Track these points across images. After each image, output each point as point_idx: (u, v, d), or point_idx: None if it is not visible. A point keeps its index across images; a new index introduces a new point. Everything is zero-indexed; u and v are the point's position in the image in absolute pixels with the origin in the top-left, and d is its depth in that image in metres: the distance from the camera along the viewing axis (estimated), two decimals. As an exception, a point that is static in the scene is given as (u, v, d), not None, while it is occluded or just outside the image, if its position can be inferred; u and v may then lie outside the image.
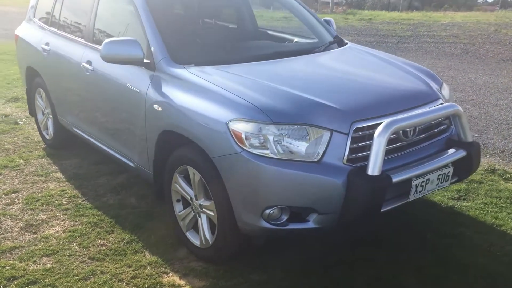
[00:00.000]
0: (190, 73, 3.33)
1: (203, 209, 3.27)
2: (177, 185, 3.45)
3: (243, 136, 2.84)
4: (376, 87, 3.34)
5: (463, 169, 3.31)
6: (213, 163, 3.01)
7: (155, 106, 3.41)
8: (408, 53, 11.78)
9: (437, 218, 3.95)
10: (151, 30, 3.61)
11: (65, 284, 3.15)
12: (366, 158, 2.83)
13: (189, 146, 3.23)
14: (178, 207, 3.54)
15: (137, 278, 3.21)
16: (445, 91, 3.67)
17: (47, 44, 4.99)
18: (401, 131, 3.01)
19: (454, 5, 32.60)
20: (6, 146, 5.63)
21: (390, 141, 2.97)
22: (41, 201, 4.27)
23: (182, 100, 3.24)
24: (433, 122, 3.25)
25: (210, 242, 3.29)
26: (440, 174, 3.12)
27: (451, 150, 3.25)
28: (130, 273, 3.26)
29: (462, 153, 3.22)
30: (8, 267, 3.31)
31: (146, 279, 3.20)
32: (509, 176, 4.69)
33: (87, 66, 4.22)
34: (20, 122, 6.54)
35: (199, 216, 3.34)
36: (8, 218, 3.98)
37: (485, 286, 3.12)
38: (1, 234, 3.75)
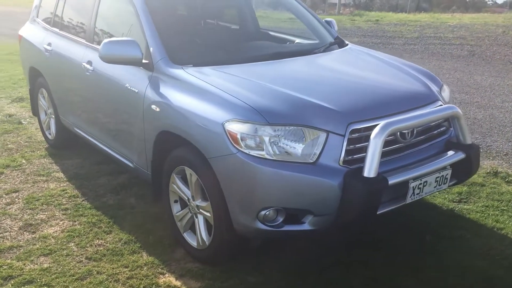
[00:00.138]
0: (187, 73, 3.33)
1: (200, 210, 3.26)
2: (175, 186, 3.44)
3: (238, 137, 2.83)
4: (374, 89, 3.32)
5: (462, 171, 3.28)
6: (209, 164, 3.00)
7: (153, 106, 3.41)
8: (414, 54, 11.73)
9: (437, 220, 3.92)
10: (150, 30, 3.61)
11: (61, 284, 3.15)
12: (363, 160, 2.81)
13: (186, 147, 3.22)
14: (175, 208, 3.54)
15: (133, 279, 3.20)
16: (445, 92, 3.64)
17: (49, 44, 5.01)
18: (398, 133, 2.99)
19: (462, 6, 32.46)
20: (9, 145, 5.66)
21: (387, 143, 2.95)
22: (41, 200, 4.28)
23: (179, 100, 3.24)
24: (432, 124, 3.22)
25: (207, 243, 3.28)
26: (438, 177, 3.09)
27: (450, 152, 3.22)
28: (127, 274, 3.26)
29: (461, 156, 3.19)
30: (5, 267, 3.32)
31: (142, 279, 3.19)
32: (511, 179, 4.64)
33: (88, 66, 4.23)
34: (24, 122, 6.57)
35: (196, 217, 3.33)
36: (7, 218, 4.00)
37: (483, 289, 3.10)
38: (0, 233, 3.77)
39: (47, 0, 5.48)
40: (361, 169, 2.79)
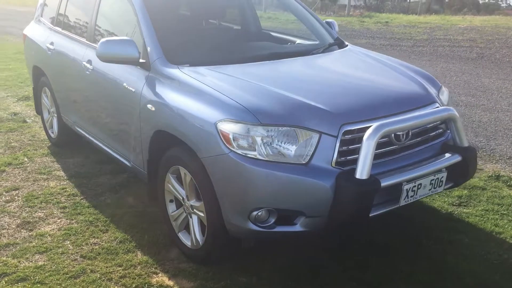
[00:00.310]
0: (183, 73, 3.33)
1: (194, 210, 3.26)
2: (170, 186, 3.44)
3: (231, 137, 2.82)
4: (369, 90, 3.29)
5: (459, 174, 3.24)
6: (202, 163, 3.00)
7: (149, 106, 3.41)
8: (422, 56, 11.65)
9: (435, 224, 3.88)
10: (147, 30, 3.62)
11: (54, 281, 3.16)
12: (356, 161, 2.79)
13: (180, 147, 3.22)
14: (171, 208, 3.54)
15: (126, 278, 3.21)
16: (444, 95, 3.60)
17: (51, 43, 5.04)
18: (393, 135, 2.96)
19: (474, 9, 32.20)
20: (13, 144, 5.70)
21: (382, 145, 2.94)
22: (40, 199, 4.31)
23: (174, 100, 3.24)
24: (428, 126, 3.20)
25: (201, 243, 3.27)
26: (433, 179, 3.06)
27: (446, 155, 3.18)
28: (120, 273, 3.26)
29: (457, 158, 3.16)
30: (0, 264, 3.34)
31: (135, 278, 3.20)
32: (513, 182, 4.59)
33: (88, 65, 4.25)
34: (28, 121, 6.62)
35: (190, 217, 3.33)
36: (6, 215, 4.02)
37: (478, 294, 3.07)
38: (-2, 230, 3.80)
39: (50, 0, 5.52)
40: (353, 170, 2.77)
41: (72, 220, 3.95)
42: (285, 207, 2.85)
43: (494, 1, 45.38)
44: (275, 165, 2.79)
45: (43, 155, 5.38)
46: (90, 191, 4.47)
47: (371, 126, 2.82)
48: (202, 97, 3.08)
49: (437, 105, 3.32)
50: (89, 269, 3.30)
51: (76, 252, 3.49)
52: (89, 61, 4.23)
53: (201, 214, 3.19)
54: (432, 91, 3.47)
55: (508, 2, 45.88)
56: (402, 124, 2.92)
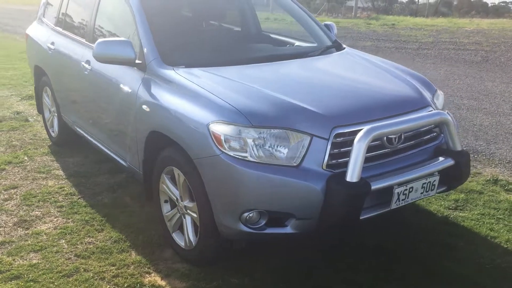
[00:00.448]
0: (177, 74, 3.35)
1: (188, 210, 3.28)
2: (164, 186, 3.46)
3: (222, 138, 2.84)
4: (362, 93, 3.30)
5: (452, 178, 3.24)
6: (195, 165, 3.01)
7: (144, 106, 3.44)
8: (426, 59, 11.61)
9: (430, 227, 3.87)
10: (144, 31, 3.64)
11: (47, 280, 3.19)
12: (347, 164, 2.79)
13: (174, 147, 3.24)
14: (165, 208, 3.55)
15: (118, 277, 3.23)
16: (439, 98, 3.60)
17: (52, 43, 5.08)
18: (385, 138, 2.96)
19: (482, 11, 32.02)
20: (14, 142, 5.75)
21: (374, 148, 2.94)
22: (38, 197, 4.34)
23: (167, 101, 3.26)
24: (421, 130, 3.19)
25: (194, 243, 3.29)
26: (425, 183, 3.06)
27: (439, 159, 3.18)
28: (113, 272, 3.28)
29: (449, 162, 3.16)
30: (-5, 261, 3.38)
31: (127, 278, 3.21)
32: (511, 187, 4.57)
33: (86, 65, 4.28)
34: (30, 120, 6.67)
35: (184, 218, 3.35)
36: (3, 213, 4.06)
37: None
38: (-6, 228, 3.84)
39: (52, 0, 5.56)
40: (344, 173, 2.77)
41: (69, 219, 3.98)
42: (275, 209, 2.85)
43: (504, 4, 45.08)
44: (266, 167, 2.80)
45: (43, 154, 5.42)
46: (88, 191, 4.50)
47: (362, 129, 2.83)
48: (195, 98, 3.10)
49: (431, 108, 3.31)
50: (83, 268, 3.32)
51: (71, 251, 3.52)
52: (88, 61, 4.26)
53: (194, 215, 3.20)
54: (427, 94, 3.46)
55: (517, 4, 45.56)
56: (393, 128, 2.92)
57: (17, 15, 22.54)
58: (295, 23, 4.76)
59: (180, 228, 3.46)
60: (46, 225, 3.89)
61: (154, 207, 3.73)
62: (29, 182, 4.67)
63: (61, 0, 5.24)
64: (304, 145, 2.82)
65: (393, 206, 2.97)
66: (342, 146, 2.87)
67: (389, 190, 2.91)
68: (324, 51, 4.13)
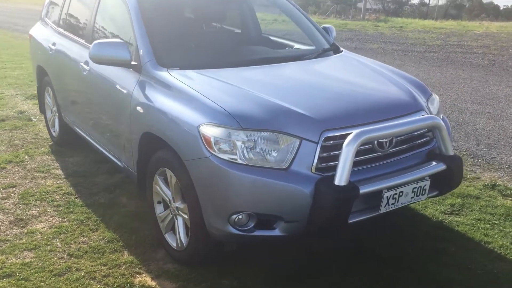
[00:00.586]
0: (171, 76, 3.37)
1: (179, 211, 3.29)
2: (157, 187, 3.48)
3: (212, 140, 2.85)
4: (354, 96, 3.29)
5: (444, 183, 3.23)
6: (185, 166, 3.03)
7: (138, 108, 3.46)
8: (432, 62, 11.55)
9: (424, 232, 3.86)
10: (140, 32, 3.66)
11: (39, 278, 3.21)
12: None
13: (166, 149, 3.26)
14: (158, 209, 3.57)
15: (109, 277, 3.25)
16: (434, 103, 3.58)
17: (53, 44, 5.13)
18: (375, 142, 2.96)
19: (492, 15, 31.82)
20: (15, 141, 5.80)
21: (364, 152, 2.94)
22: (36, 196, 4.38)
23: (160, 102, 3.28)
24: (414, 134, 3.18)
25: (185, 244, 3.30)
26: (415, 187, 3.05)
27: (430, 163, 3.17)
28: (104, 272, 3.30)
29: (441, 167, 3.14)
30: (-11, 260, 3.42)
31: (118, 278, 3.23)
32: (509, 192, 4.53)
33: (85, 66, 4.31)
34: (33, 119, 6.73)
35: (176, 219, 3.36)
36: (0, 212, 4.10)
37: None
38: (-9, 227, 3.87)
39: (54, 0, 5.61)
40: (333, 177, 2.77)
41: (64, 218, 4.01)
42: (264, 211, 2.86)
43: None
44: (255, 170, 2.81)
45: (43, 153, 5.46)
46: (85, 190, 4.53)
47: (351, 133, 2.82)
48: (187, 100, 3.12)
49: (424, 113, 3.30)
50: (74, 267, 3.35)
51: (64, 250, 3.55)
52: (86, 62, 4.30)
53: (185, 216, 3.22)
54: (421, 98, 3.45)
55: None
56: (383, 132, 2.92)
57: (29, 15, 22.71)
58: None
59: (173, 229, 3.48)
60: (42, 224, 3.92)
61: (147, 207, 3.75)
62: (27, 181, 4.71)
63: (63, 1, 5.28)
64: (293, 148, 2.82)
65: (383, 210, 2.97)
66: (332, 150, 2.87)
67: (378, 194, 2.91)
68: (321, 54, 4.12)
